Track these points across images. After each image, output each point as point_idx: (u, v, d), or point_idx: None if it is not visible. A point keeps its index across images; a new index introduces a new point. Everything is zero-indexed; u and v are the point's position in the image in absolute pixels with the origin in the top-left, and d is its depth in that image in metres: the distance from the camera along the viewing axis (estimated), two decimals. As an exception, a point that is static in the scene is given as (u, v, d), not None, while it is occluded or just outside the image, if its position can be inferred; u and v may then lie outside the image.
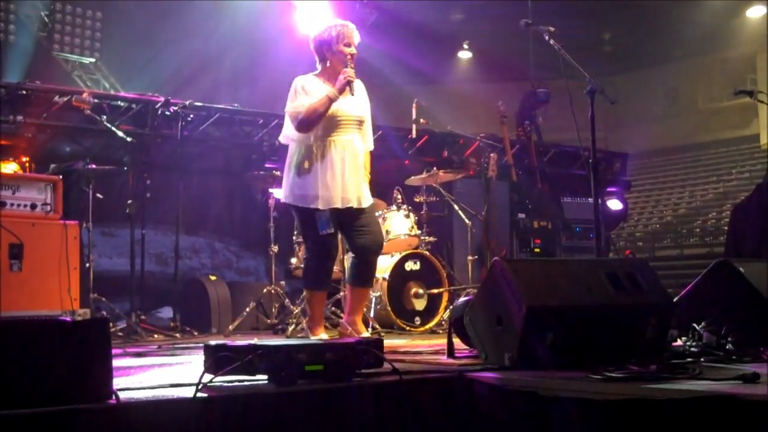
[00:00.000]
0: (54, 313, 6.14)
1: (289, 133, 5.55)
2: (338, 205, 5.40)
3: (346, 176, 5.43)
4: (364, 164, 5.68)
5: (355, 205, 5.47)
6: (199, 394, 2.95)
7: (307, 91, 5.44)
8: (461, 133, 10.40)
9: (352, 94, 5.45)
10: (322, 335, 5.50)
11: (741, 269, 4.50)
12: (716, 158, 26.04)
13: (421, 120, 7.82)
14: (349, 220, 5.51)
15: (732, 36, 23.30)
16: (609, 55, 23.47)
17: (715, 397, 2.81)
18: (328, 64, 5.58)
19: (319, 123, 5.38)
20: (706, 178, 25.50)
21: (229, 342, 3.48)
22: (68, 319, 3.58)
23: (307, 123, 5.36)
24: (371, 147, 5.79)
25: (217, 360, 3.27)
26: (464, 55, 23.18)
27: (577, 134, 5.54)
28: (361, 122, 5.61)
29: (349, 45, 5.52)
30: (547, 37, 5.62)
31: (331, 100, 5.37)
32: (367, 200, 5.58)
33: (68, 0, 13.18)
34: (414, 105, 7.69)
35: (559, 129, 11.56)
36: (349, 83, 5.39)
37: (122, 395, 2.82)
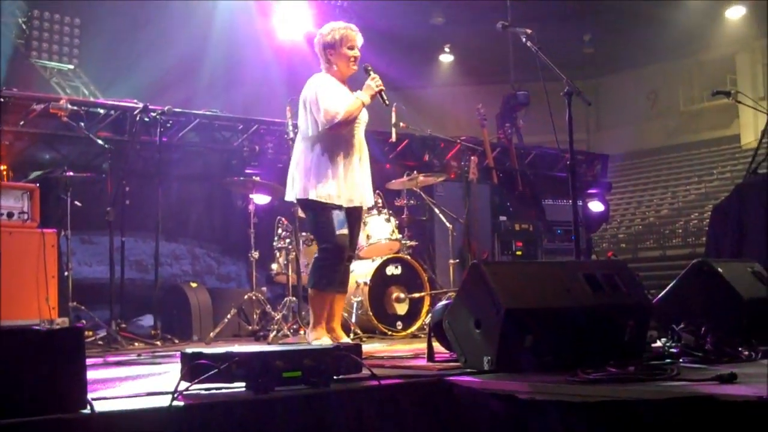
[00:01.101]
0: (32, 322, 6.09)
1: (310, 130, 5.53)
2: (356, 203, 5.56)
3: (363, 176, 5.60)
4: None
5: (365, 205, 5.74)
6: (176, 403, 2.92)
7: (337, 91, 5.51)
8: (441, 137, 10.41)
9: (386, 103, 5.62)
10: (324, 339, 5.44)
11: (719, 269, 4.51)
12: (698, 159, 26.18)
13: (401, 124, 7.80)
14: (356, 220, 5.69)
15: (711, 37, 23.45)
16: (589, 57, 23.56)
17: (692, 397, 2.81)
18: (334, 66, 5.62)
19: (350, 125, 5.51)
20: (688, 178, 25.63)
21: (205, 349, 3.45)
22: (41, 328, 3.54)
23: (344, 124, 5.42)
24: None
25: (194, 368, 3.24)
26: (446, 58, 23.23)
27: (555, 136, 5.55)
28: (366, 125, 5.75)
29: (352, 48, 5.60)
30: (524, 39, 5.62)
31: (363, 105, 5.51)
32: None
33: (46, 7, 13.11)
34: (393, 109, 7.67)
35: (540, 131, 11.59)
36: (377, 94, 5.51)
37: (97, 405, 2.78)
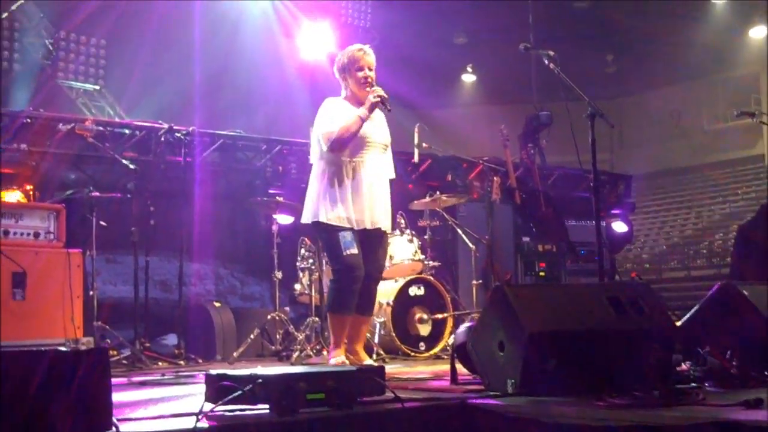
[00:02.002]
0: (57, 341, 6.12)
1: (317, 154, 5.59)
2: (368, 226, 5.48)
3: (375, 198, 5.52)
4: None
5: (381, 226, 5.59)
6: (200, 424, 2.94)
7: (338, 112, 5.51)
8: (464, 157, 10.40)
9: (388, 110, 5.56)
10: (340, 357, 5.44)
11: (745, 292, 4.48)
12: (722, 179, 26.01)
13: (424, 144, 7.82)
14: (374, 243, 5.58)
15: (735, 56, 23.35)
16: (612, 77, 23.51)
17: (719, 422, 2.79)
18: (350, 88, 5.67)
19: (350, 142, 5.44)
20: (712, 198, 25.48)
21: (229, 371, 3.47)
22: (67, 349, 3.57)
23: (340, 142, 5.41)
24: (393, 175, 5.85)
25: (218, 389, 3.25)
26: (468, 78, 23.24)
27: (578, 157, 5.54)
28: (386, 146, 5.71)
29: (361, 69, 5.60)
30: (546, 61, 5.63)
31: (362, 120, 5.45)
32: (390, 226, 5.74)
33: (72, 28, 13.25)
34: (416, 129, 7.69)
35: (563, 151, 11.56)
36: (377, 103, 5.48)
37: (123, 426, 2.81)
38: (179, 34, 13.14)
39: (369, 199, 5.49)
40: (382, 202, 5.61)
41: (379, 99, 5.47)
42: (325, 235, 5.57)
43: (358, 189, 5.46)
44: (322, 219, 5.46)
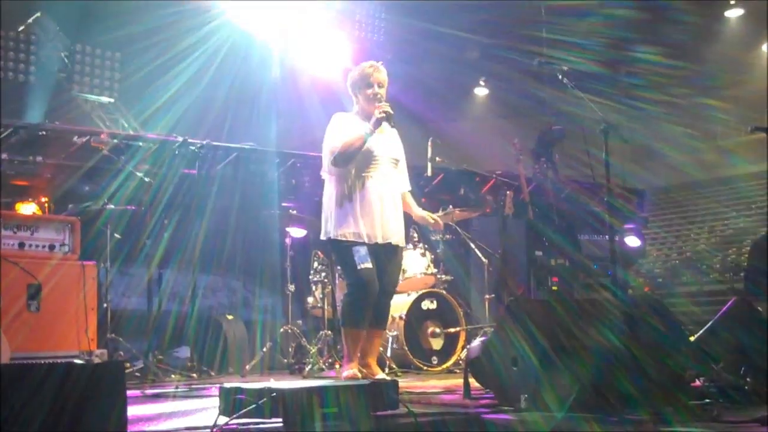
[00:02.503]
0: (71, 354, 6.14)
1: (326, 169, 5.63)
2: (379, 240, 5.47)
3: (386, 213, 5.53)
4: (412, 202, 5.86)
5: (393, 241, 5.57)
6: (214, 438, 2.94)
7: (345, 128, 5.54)
8: (477, 171, 10.40)
9: (392, 126, 5.57)
10: (352, 371, 5.43)
11: (759, 308, 4.47)
12: (735, 193, 25.88)
13: (437, 158, 7.84)
14: (386, 257, 5.56)
15: (749, 71, 23.28)
16: (625, 90, 23.48)
17: (733, 440, 2.78)
18: (360, 104, 5.71)
19: (354, 157, 5.46)
20: (726, 213, 25.34)
21: (243, 384, 3.47)
22: (82, 362, 3.59)
23: (342, 157, 5.44)
24: (408, 188, 5.88)
25: (232, 403, 3.27)
26: (481, 91, 23.23)
27: (591, 173, 5.54)
28: (396, 160, 5.71)
29: (371, 85, 5.64)
30: (560, 76, 5.63)
31: (366, 136, 5.46)
32: (403, 240, 5.72)
33: (88, 41, 13.34)
34: (429, 143, 7.71)
35: (576, 165, 11.56)
36: (382, 119, 5.48)
37: (137, 439, 2.82)
38: (194, 48, 13.20)
39: (379, 213, 5.49)
40: (394, 216, 5.61)
41: (383, 115, 5.47)
42: (338, 249, 5.58)
43: (368, 204, 5.47)
44: (334, 234, 5.49)
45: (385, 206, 5.53)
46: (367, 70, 5.67)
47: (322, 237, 5.64)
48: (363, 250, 5.43)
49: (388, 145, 5.66)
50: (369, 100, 5.63)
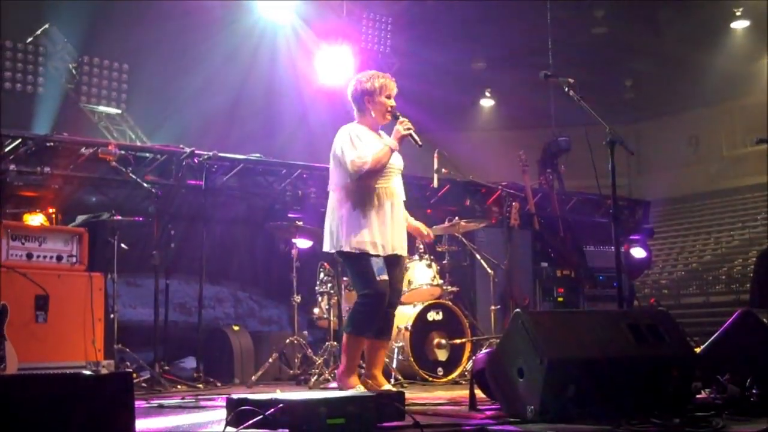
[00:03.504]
0: (78, 364, 6.17)
1: (340, 181, 5.53)
2: (390, 251, 5.45)
3: (396, 224, 5.51)
4: (405, 213, 5.78)
5: (399, 252, 5.53)
6: (222, 449, 2.96)
7: (363, 140, 5.47)
8: (483, 182, 10.42)
9: (420, 145, 5.53)
10: (357, 387, 5.39)
11: (765, 320, 4.48)
12: (741, 204, 25.87)
13: (443, 170, 7.85)
14: (392, 268, 5.52)
15: (753, 82, 23.29)
16: (631, 102, 23.51)
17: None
18: (370, 114, 5.62)
19: (381, 172, 5.46)
20: (731, 224, 25.32)
21: (251, 395, 3.49)
22: (91, 373, 3.61)
23: (373, 173, 5.40)
24: (404, 198, 5.81)
25: (239, 414, 3.28)
26: (486, 102, 23.27)
27: (597, 184, 5.55)
28: (400, 171, 5.69)
29: (389, 97, 5.60)
30: (566, 89, 5.65)
31: (392, 151, 5.45)
32: (406, 250, 5.67)
33: (96, 52, 13.41)
34: (435, 155, 7.72)
35: (581, 176, 11.56)
36: (407, 136, 5.46)
37: (145, 449, 2.83)
38: (200, 59, 13.27)
39: (391, 225, 5.47)
40: (402, 227, 5.62)
41: (409, 133, 5.45)
42: (350, 263, 5.54)
43: (384, 215, 5.45)
44: (347, 248, 5.42)
45: (396, 217, 5.52)
46: (389, 82, 5.62)
47: (328, 249, 5.60)
48: (381, 262, 5.42)
49: (397, 156, 5.63)
50: (384, 112, 5.58)
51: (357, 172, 5.38)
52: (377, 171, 5.42)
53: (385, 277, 5.43)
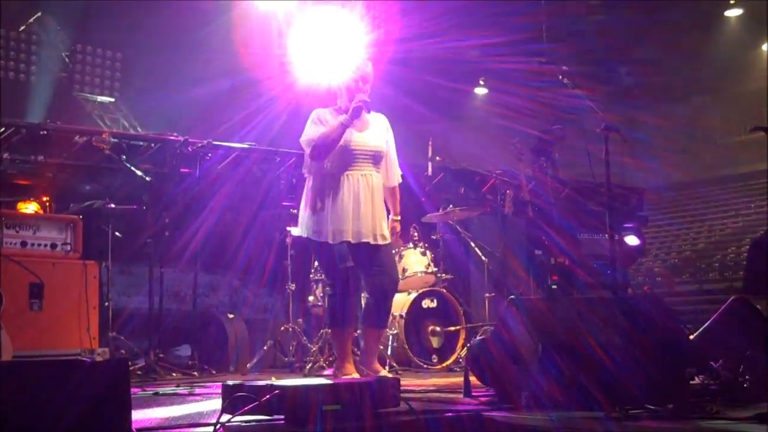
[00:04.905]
0: (73, 352, 6.17)
1: (306, 165, 5.53)
2: (350, 239, 5.31)
3: (361, 211, 5.34)
4: (393, 200, 5.68)
5: (371, 241, 5.37)
6: (217, 434, 2.97)
7: (322, 121, 5.44)
8: (477, 170, 10.44)
9: (368, 111, 5.40)
10: (353, 375, 5.40)
11: (758, 306, 4.49)
12: (735, 193, 25.91)
13: (437, 157, 7.86)
14: (365, 257, 5.41)
15: (748, 71, 23.32)
16: (626, 90, 23.52)
17: (732, 436, 2.81)
18: (341, 97, 5.58)
19: (332, 150, 5.33)
20: (725, 212, 25.36)
21: (246, 382, 3.50)
22: (88, 359, 3.61)
23: (319, 150, 5.33)
24: (396, 182, 5.69)
25: (235, 400, 3.29)
26: (480, 91, 23.25)
27: (591, 172, 5.57)
28: (377, 156, 5.50)
29: (356, 80, 5.52)
30: (560, 76, 5.66)
31: (343, 126, 5.34)
32: (384, 238, 5.46)
33: (89, 41, 13.37)
34: (430, 143, 7.74)
35: (576, 164, 11.55)
36: (359, 108, 5.34)
37: (141, 436, 2.84)
38: (194, 48, 13.24)
39: (353, 213, 5.32)
40: (371, 215, 5.40)
41: (360, 104, 5.34)
42: (316, 249, 5.53)
43: (342, 203, 5.32)
44: (308, 234, 5.42)
45: (361, 204, 5.35)
46: (351, 64, 5.59)
47: (298, 233, 5.57)
48: (344, 250, 5.36)
49: (369, 138, 5.48)
50: (350, 95, 5.48)
51: (308, 149, 5.37)
52: (326, 147, 5.33)
53: (350, 263, 5.38)
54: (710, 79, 23.32)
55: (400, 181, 5.76)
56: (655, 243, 24.63)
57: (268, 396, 3.20)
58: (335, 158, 5.39)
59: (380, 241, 5.45)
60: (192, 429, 3.22)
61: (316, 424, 3.16)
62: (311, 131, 5.41)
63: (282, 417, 3.23)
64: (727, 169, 26.43)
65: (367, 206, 5.40)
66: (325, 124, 5.42)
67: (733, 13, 20.55)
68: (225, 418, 3.17)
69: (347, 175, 5.40)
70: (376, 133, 5.57)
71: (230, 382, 3.47)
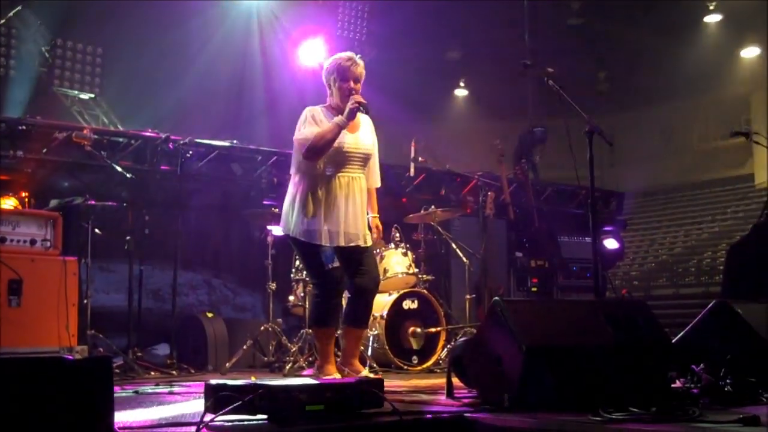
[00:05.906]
0: (52, 349, 6.12)
1: (295, 164, 5.47)
2: (342, 243, 5.31)
3: (350, 214, 5.34)
4: (371, 200, 5.66)
5: (361, 244, 5.39)
6: (200, 434, 2.95)
7: (316, 120, 5.38)
8: (459, 172, 10.45)
9: (366, 112, 5.38)
10: (335, 375, 5.39)
11: (740, 311, 4.52)
12: (711, 198, 26.08)
13: (420, 158, 7.87)
14: (351, 258, 5.41)
15: (726, 76, 23.48)
16: (604, 94, 23.62)
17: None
18: (333, 96, 5.53)
19: (326, 151, 5.29)
20: (702, 217, 25.52)
21: (230, 381, 3.48)
22: (70, 357, 3.58)
23: (314, 150, 5.27)
24: (377, 184, 5.70)
25: (218, 399, 3.27)
26: (460, 92, 23.28)
27: (575, 174, 5.58)
28: (367, 158, 5.51)
29: (347, 80, 5.44)
30: (546, 79, 5.67)
31: (339, 127, 5.29)
32: (369, 239, 5.49)
33: (69, 35, 13.25)
34: (412, 143, 7.74)
35: (556, 167, 11.60)
36: (356, 109, 5.31)
37: (123, 434, 2.82)
38: (175, 45, 13.16)
39: (343, 216, 5.32)
40: (359, 218, 5.41)
41: (357, 105, 5.30)
42: (299, 250, 5.54)
43: (333, 205, 5.31)
44: (295, 234, 5.39)
45: (350, 207, 5.36)
46: (344, 63, 5.47)
47: (284, 233, 5.55)
48: (329, 250, 5.37)
49: (360, 141, 5.47)
50: (343, 95, 5.42)
51: (302, 150, 5.30)
52: (321, 148, 5.28)
53: (336, 264, 5.40)
54: (688, 84, 23.44)
55: (380, 184, 5.77)
56: (631, 247, 24.75)
57: (251, 396, 3.19)
58: (329, 160, 5.37)
59: (367, 243, 5.48)
60: (174, 428, 3.19)
61: (299, 425, 3.15)
62: (307, 131, 5.35)
63: (265, 417, 3.22)
64: (704, 175, 26.59)
65: (357, 209, 5.41)
66: (320, 124, 5.37)
67: (712, 18, 20.66)
68: (208, 417, 3.15)
69: (339, 176, 5.39)
70: (367, 134, 5.57)
71: (213, 381, 3.45)
